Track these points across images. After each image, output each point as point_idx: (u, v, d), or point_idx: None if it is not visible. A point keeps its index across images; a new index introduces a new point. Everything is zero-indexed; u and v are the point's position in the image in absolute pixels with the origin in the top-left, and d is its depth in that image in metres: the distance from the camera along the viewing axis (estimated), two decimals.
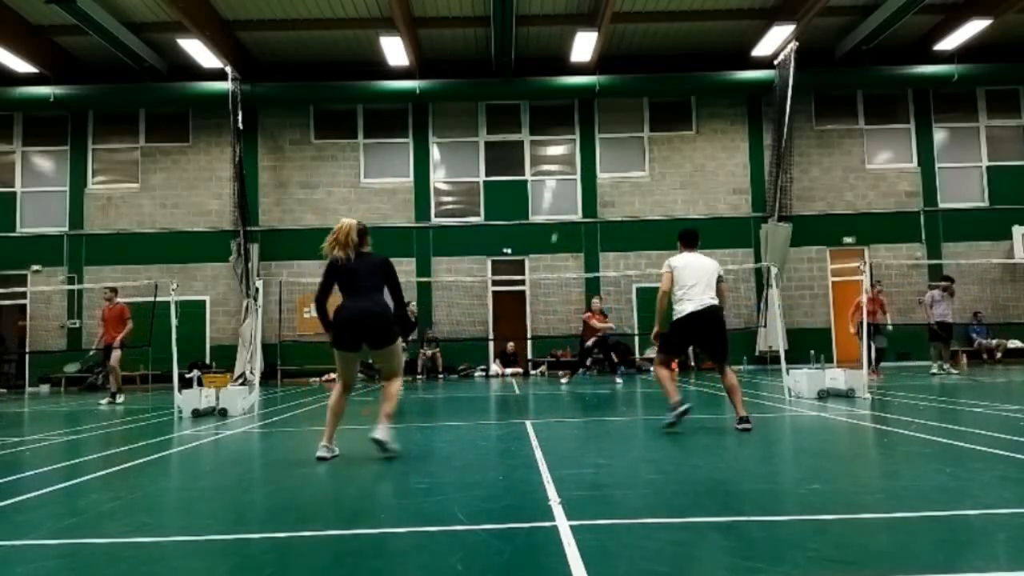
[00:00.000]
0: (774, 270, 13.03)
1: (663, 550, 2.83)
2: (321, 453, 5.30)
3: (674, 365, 18.67)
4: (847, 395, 9.02)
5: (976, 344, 17.92)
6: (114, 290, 12.62)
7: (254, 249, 18.25)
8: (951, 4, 16.92)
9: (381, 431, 5.22)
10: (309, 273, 18.43)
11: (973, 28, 16.62)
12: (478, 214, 18.96)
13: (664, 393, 6.49)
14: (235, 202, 18.08)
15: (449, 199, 19.26)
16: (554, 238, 12.68)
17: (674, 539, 2.98)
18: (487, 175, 19.08)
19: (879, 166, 19.14)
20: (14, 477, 4.93)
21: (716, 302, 6.52)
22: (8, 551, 3.07)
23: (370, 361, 19.49)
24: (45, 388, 17.66)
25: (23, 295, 18.18)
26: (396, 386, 5.57)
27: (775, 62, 17.82)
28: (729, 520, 3.27)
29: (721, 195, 18.97)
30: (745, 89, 18.73)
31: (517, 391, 12.32)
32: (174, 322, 9.53)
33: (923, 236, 18.75)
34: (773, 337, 16.95)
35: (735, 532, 3.07)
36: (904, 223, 18.80)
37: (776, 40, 17.13)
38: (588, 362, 16.24)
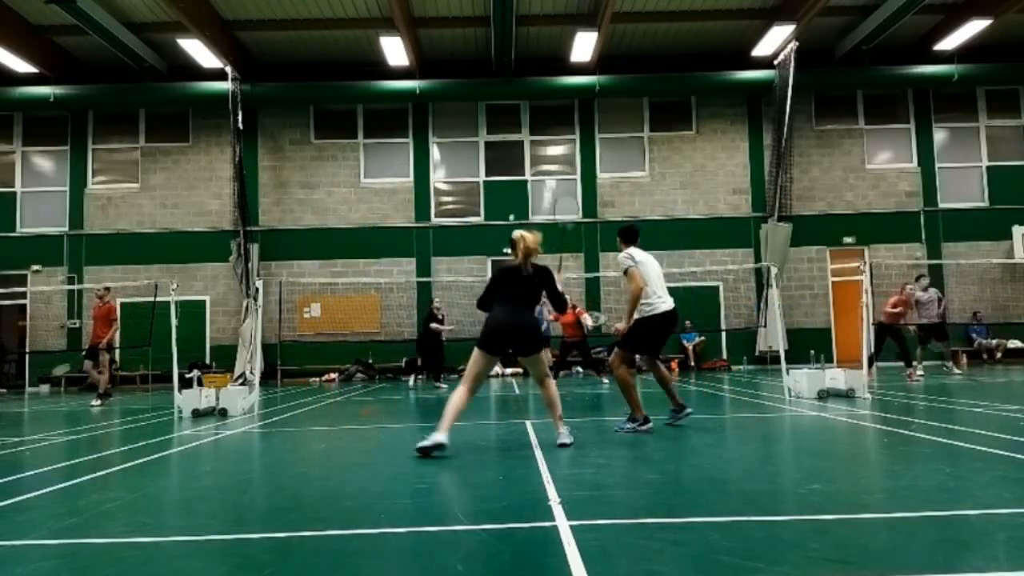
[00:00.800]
0: (774, 270, 13.02)
1: (663, 550, 2.82)
2: (439, 439, 5.20)
3: (674, 366, 18.88)
4: (847, 395, 9.02)
5: (976, 344, 17.92)
6: (107, 289, 12.51)
7: (254, 249, 18.25)
8: (951, 4, 16.92)
9: (564, 435, 5.54)
10: (309, 273, 18.47)
11: (973, 28, 16.62)
12: (478, 214, 18.96)
13: (627, 401, 6.30)
14: (235, 202, 18.08)
15: (449, 199, 19.27)
16: (569, 227, 12.64)
17: (674, 539, 2.98)
18: (487, 175, 19.09)
19: (879, 166, 19.14)
20: (14, 477, 4.93)
21: (673, 303, 6.48)
22: (8, 551, 3.07)
23: (369, 360, 19.35)
24: (45, 388, 17.67)
25: (23, 295, 18.18)
26: (553, 388, 5.80)
27: (775, 62, 17.82)
28: (729, 520, 3.27)
29: (721, 195, 18.97)
30: (745, 89, 18.73)
31: (517, 391, 12.31)
32: (174, 322, 9.53)
33: (923, 236, 18.75)
34: (773, 337, 16.95)
35: (735, 532, 3.07)
36: (904, 223, 18.81)
37: (776, 40, 17.13)
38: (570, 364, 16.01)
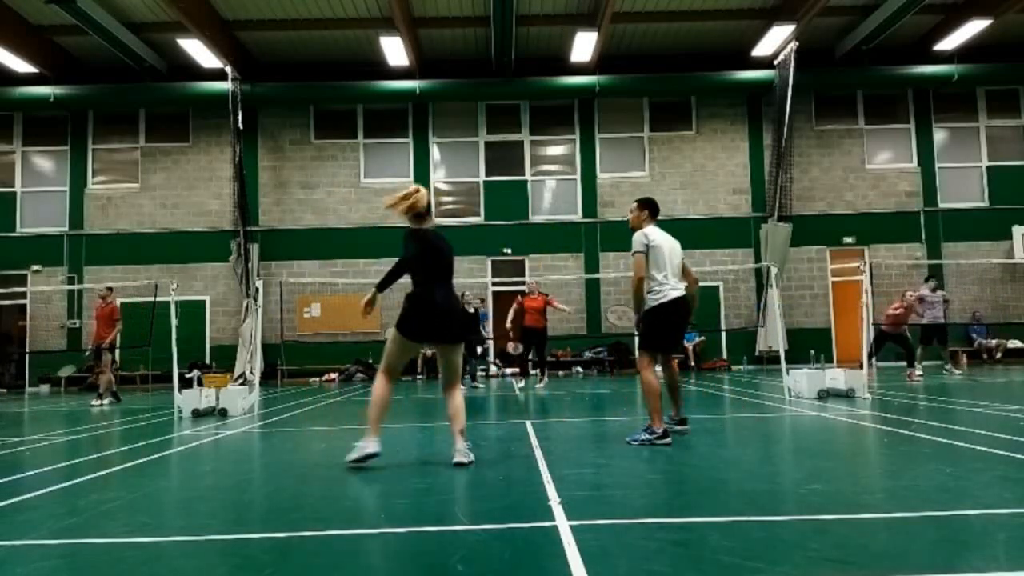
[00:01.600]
0: (774, 270, 13.02)
1: (663, 550, 2.82)
2: (371, 450, 4.83)
3: (675, 366, 18.71)
4: (847, 395, 9.02)
5: (976, 344, 17.91)
6: (110, 289, 12.53)
7: (254, 249, 18.25)
8: (951, 4, 16.92)
9: (462, 452, 4.83)
10: (309, 273, 18.46)
11: (973, 28, 16.62)
12: (478, 214, 18.96)
13: (649, 409, 5.60)
14: (235, 202, 18.09)
15: (449, 199, 19.27)
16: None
17: (674, 539, 2.98)
18: (487, 175, 19.08)
19: (879, 166, 19.14)
20: (14, 477, 4.93)
21: (683, 290, 5.90)
22: (8, 551, 3.07)
23: (369, 360, 19.28)
24: (45, 388, 17.67)
25: (23, 295, 18.18)
26: (460, 395, 5.09)
27: (775, 62, 17.82)
28: (729, 520, 3.27)
29: (721, 195, 18.97)
30: (745, 89, 18.73)
31: (517, 392, 12.31)
32: (174, 322, 9.53)
33: (923, 236, 18.75)
34: (773, 337, 16.96)
35: (735, 532, 3.07)
36: (904, 223, 18.80)
37: (776, 40, 17.13)
38: (523, 356, 14.41)
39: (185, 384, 9.90)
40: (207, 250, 18.58)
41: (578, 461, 5.02)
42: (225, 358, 18.13)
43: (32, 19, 16.34)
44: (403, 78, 18.13)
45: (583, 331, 18.42)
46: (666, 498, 3.85)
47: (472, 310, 13.77)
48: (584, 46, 17.01)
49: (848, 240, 18.79)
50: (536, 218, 18.98)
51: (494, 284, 18.55)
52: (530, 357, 14.25)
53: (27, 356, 18.25)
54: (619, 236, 18.57)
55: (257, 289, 14.34)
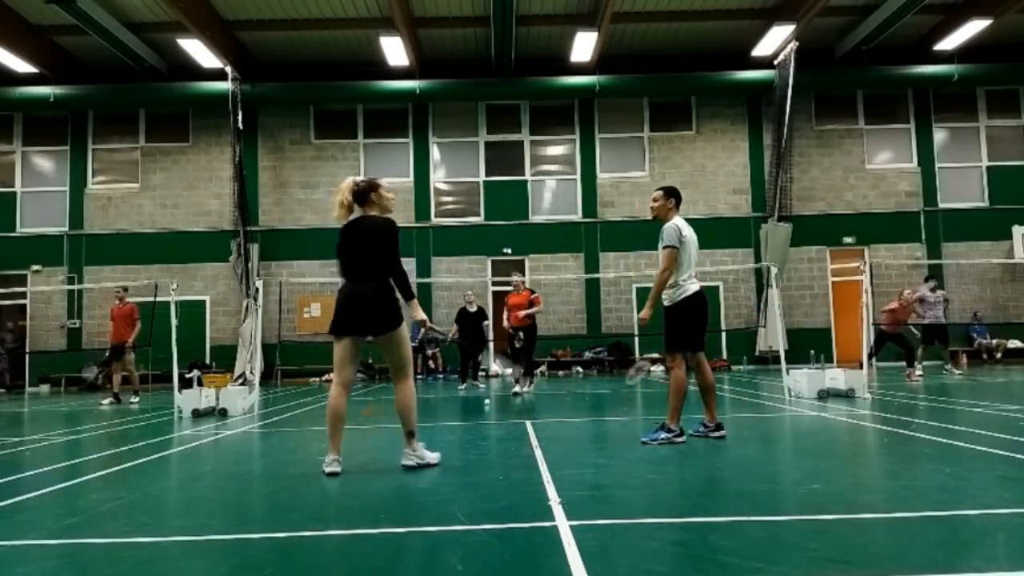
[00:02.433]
0: (774, 270, 13.02)
1: (663, 550, 2.83)
2: (332, 468, 4.59)
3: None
4: (847, 395, 9.02)
5: (976, 344, 17.92)
6: (125, 289, 12.67)
7: (254, 249, 18.25)
8: (951, 4, 16.92)
9: (413, 454, 4.72)
10: (309, 273, 18.46)
11: (973, 28, 16.62)
12: (478, 214, 18.95)
13: (670, 404, 5.62)
14: (235, 202, 18.08)
15: (449, 199, 19.27)
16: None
17: (674, 539, 2.98)
18: (487, 175, 19.08)
19: (879, 166, 19.14)
20: (14, 477, 4.93)
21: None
22: (8, 551, 3.07)
23: (369, 360, 19.34)
24: (45, 388, 17.67)
25: (23, 295, 18.18)
26: (410, 389, 4.81)
27: (775, 62, 17.82)
28: (729, 520, 3.27)
29: (721, 195, 18.97)
30: (745, 89, 18.73)
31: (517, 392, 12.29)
32: (174, 322, 9.53)
33: (923, 236, 18.75)
34: (773, 337, 16.96)
35: (735, 532, 3.07)
36: (904, 223, 18.80)
37: (776, 40, 17.13)
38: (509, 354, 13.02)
39: (185, 384, 9.90)
40: (207, 250, 18.58)
41: (578, 461, 5.02)
42: (225, 358, 18.12)
43: (32, 19, 16.34)
44: (403, 78, 18.13)
45: (583, 331, 18.42)
46: (666, 498, 3.85)
47: (474, 309, 13.54)
48: (584, 46, 17.01)
49: (848, 240, 18.79)
50: (536, 218, 18.98)
51: (494, 284, 18.55)
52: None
53: (27, 356, 18.24)
54: (619, 236, 18.69)
55: (257, 289, 14.35)
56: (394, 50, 16.87)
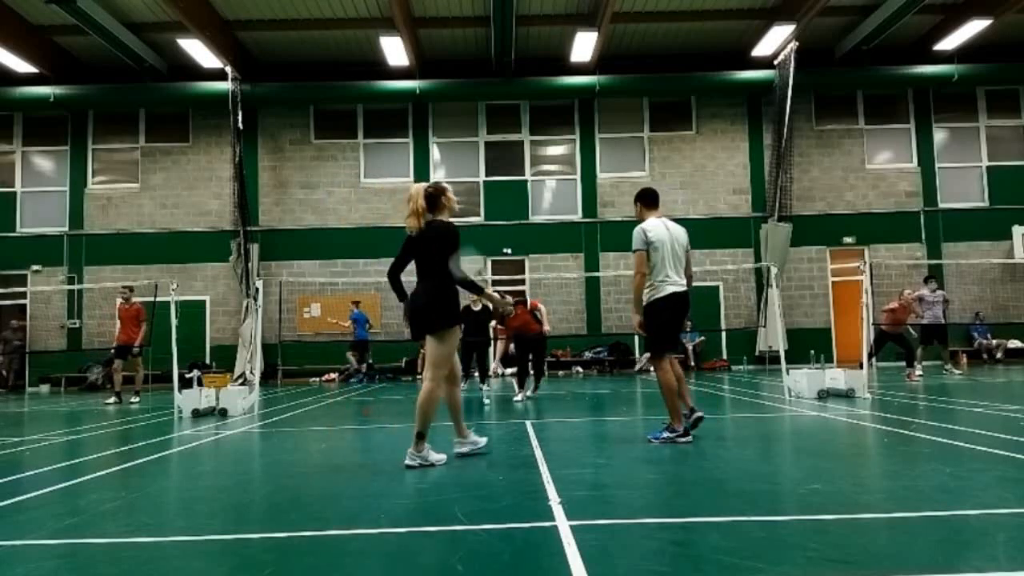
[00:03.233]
0: (774, 270, 13.02)
1: (663, 550, 2.82)
2: (458, 450, 5.12)
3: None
4: (847, 395, 9.02)
5: (976, 344, 17.92)
6: (131, 289, 12.68)
7: (254, 249, 18.25)
8: (951, 4, 16.92)
9: (414, 455, 4.84)
10: (309, 273, 18.47)
11: (973, 28, 16.62)
12: (478, 214, 18.95)
13: (668, 407, 5.67)
14: (235, 202, 18.09)
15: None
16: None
17: (674, 539, 2.98)
18: (487, 175, 19.08)
19: (879, 166, 19.14)
20: (14, 477, 4.93)
21: (685, 284, 5.79)
22: (8, 551, 3.07)
23: (369, 360, 19.27)
24: (45, 388, 17.67)
25: (23, 295, 18.18)
26: (424, 392, 4.87)
27: (775, 62, 17.82)
28: (729, 520, 3.27)
29: (721, 195, 18.97)
30: (745, 89, 18.73)
31: (517, 391, 12.28)
32: (174, 322, 9.53)
33: (923, 236, 18.75)
34: (773, 337, 16.95)
35: (735, 532, 3.07)
36: (904, 223, 18.81)
37: (776, 40, 17.13)
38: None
39: (185, 384, 9.89)
40: (207, 250, 18.58)
41: (578, 461, 5.02)
42: (225, 358, 18.12)
43: (32, 19, 16.34)
44: (403, 78, 18.13)
45: (583, 331, 18.43)
46: (666, 498, 3.85)
47: (478, 308, 12.34)
48: (584, 46, 17.01)
49: (848, 240, 18.79)
50: (536, 218, 18.98)
51: (494, 284, 18.54)
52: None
53: (27, 356, 18.24)
54: (619, 236, 18.60)
55: (257, 289, 14.34)
56: (394, 50, 16.87)
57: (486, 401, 10.26)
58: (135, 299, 12.54)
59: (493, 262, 18.79)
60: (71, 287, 17.99)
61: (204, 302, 18.56)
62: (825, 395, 8.93)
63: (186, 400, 9.00)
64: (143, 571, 2.78)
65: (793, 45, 16.94)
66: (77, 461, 5.77)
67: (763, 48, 17.56)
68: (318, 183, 18.98)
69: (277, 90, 18.56)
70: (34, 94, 17.74)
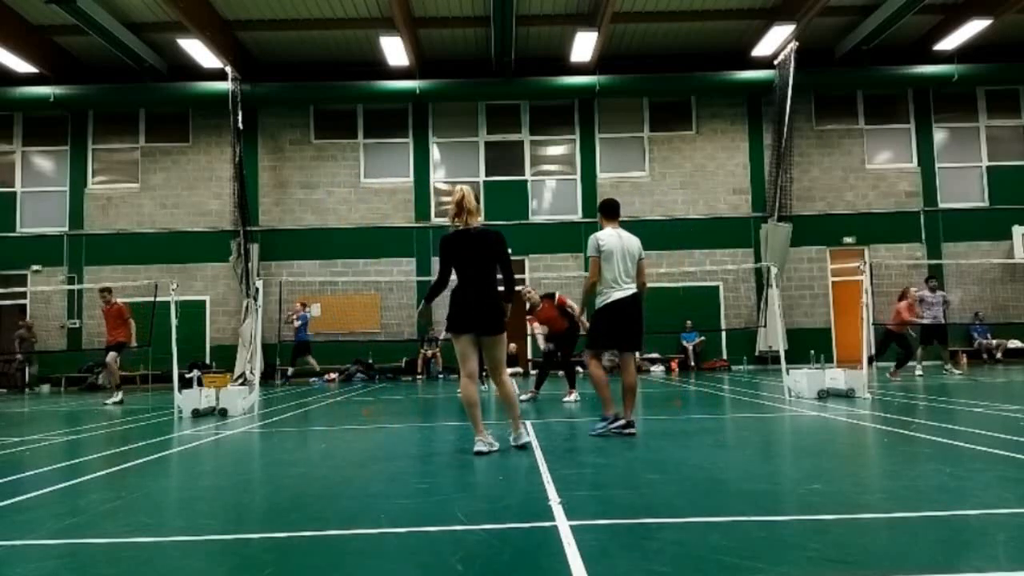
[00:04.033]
0: (774, 270, 13.03)
1: (663, 550, 2.82)
2: (479, 448, 5.22)
3: (673, 365, 18.88)
4: (847, 395, 9.02)
5: (976, 344, 17.91)
6: (108, 290, 12.58)
7: (254, 249, 18.25)
8: (951, 4, 16.92)
9: (523, 435, 5.41)
10: (309, 273, 18.47)
11: (973, 28, 16.63)
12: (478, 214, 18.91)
13: (600, 399, 6.17)
14: (235, 202, 18.09)
15: (449, 199, 19.22)
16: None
17: (674, 539, 2.98)
18: (487, 175, 19.09)
19: (879, 166, 19.15)
20: (14, 477, 4.93)
21: (635, 289, 6.28)
22: (8, 551, 3.07)
23: (369, 360, 19.27)
24: (45, 388, 17.67)
25: (23, 295, 18.18)
26: (510, 383, 5.51)
27: (775, 62, 17.82)
28: (729, 520, 3.27)
29: (721, 195, 18.97)
30: (745, 89, 18.73)
31: (517, 391, 12.29)
32: (174, 322, 9.53)
33: (923, 236, 18.76)
34: (773, 337, 16.95)
35: (735, 532, 3.07)
36: (904, 223, 18.81)
37: (776, 40, 17.14)
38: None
39: (185, 384, 9.89)
40: (207, 250, 18.58)
41: (578, 461, 5.02)
42: (225, 358, 18.13)
43: (32, 19, 16.35)
44: (403, 78, 18.13)
45: (582, 331, 18.38)
46: (666, 498, 3.85)
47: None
48: (584, 46, 17.01)
49: (848, 240, 18.80)
50: (536, 218, 18.99)
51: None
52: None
53: (27, 356, 18.23)
54: None
55: (257, 289, 14.34)
56: (394, 50, 16.87)
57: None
58: (115, 299, 12.45)
59: None
60: (71, 287, 18.00)
61: (204, 302, 18.57)
62: (825, 395, 8.93)
63: (186, 400, 9.00)
64: (143, 571, 2.78)
65: (793, 45, 16.94)
66: (77, 461, 5.77)
67: (763, 48, 17.57)
68: (318, 183, 18.98)
69: (277, 90, 18.57)
70: (34, 94, 17.75)
